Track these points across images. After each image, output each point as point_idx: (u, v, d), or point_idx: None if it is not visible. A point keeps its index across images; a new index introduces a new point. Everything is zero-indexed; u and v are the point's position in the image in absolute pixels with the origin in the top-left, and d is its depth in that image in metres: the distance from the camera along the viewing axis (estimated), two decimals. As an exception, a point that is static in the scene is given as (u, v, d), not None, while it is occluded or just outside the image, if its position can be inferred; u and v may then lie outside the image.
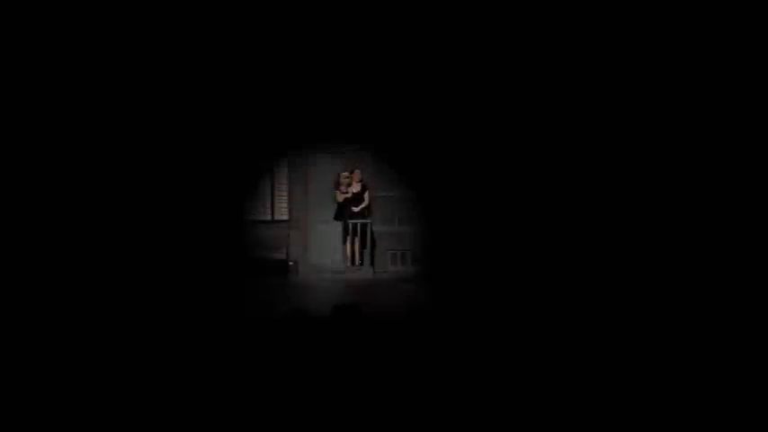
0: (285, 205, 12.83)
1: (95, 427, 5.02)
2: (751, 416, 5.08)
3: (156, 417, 5.09)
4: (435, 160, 12.36)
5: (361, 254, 12.41)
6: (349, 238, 12.41)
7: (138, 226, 11.72)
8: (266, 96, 12.53)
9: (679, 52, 10.62)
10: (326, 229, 12.69)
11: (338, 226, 12.53)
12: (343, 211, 12.49)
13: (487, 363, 5.86)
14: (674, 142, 11.03)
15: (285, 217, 12.83)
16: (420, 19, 12.08)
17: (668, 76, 11.13)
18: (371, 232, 12.41)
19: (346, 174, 12.47)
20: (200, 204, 12.31)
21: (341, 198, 12.44)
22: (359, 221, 12.34)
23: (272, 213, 12.81)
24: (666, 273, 9.89)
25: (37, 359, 6.18)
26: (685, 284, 9.07)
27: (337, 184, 12.50)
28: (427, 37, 12.19)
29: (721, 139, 10.26)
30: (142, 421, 5.06)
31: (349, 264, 12.44)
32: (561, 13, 11.65)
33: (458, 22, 12.17)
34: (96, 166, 11.61)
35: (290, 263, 12.53)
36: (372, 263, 12.45)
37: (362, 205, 12.46)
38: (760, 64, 9.54)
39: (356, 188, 12.46)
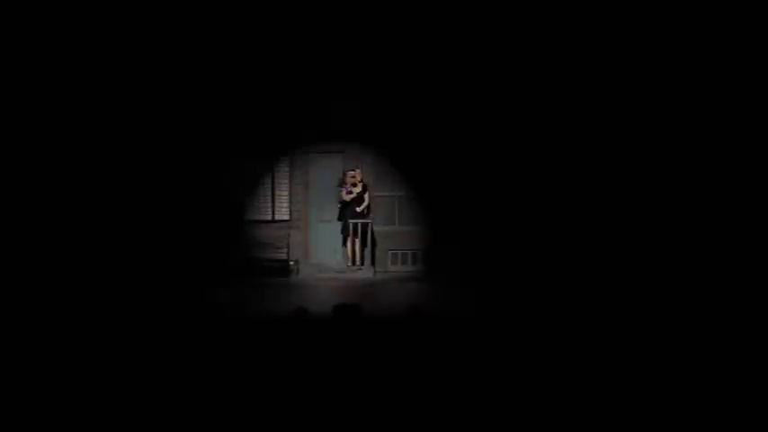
0: (286, 205, 12.81)
1: (101, 426, 5.03)
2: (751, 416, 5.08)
3: (158, 417, 5.08)
4: (437, 159, 12.34)
5: (362, 254, 12.39)
6: (350, 238, 12.39)
7: (138, 227, 11.72)
8: (267, 97, 12.52)
9: (681, 52, 10.63)
10: (327, 229, 12.68)
11: (338, 226, 12.52)
12: (344, 212, 12.47)
13: (489, 363, 5.85)
14: (675, 141, 11.03)
15: (286, 217, 12.81)
16: (421, 19, 12.09)
17: (670, 76, 11.13)
18: (372, 232, 12.40)
19: (353, 173, 12.44)
20: (201, 205, 12.31)
21: (348, 197, 12.41)
22: (359, 221, 12.32)
23: (273, 213, 12.79)
24: (670, 273, 9.89)
25: (35, 357, 6.17)
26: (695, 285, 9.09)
27: (343, 183, 12.46)
28: (428, 37, 12.20)
29: (724, 139, 10.27)
30: (144, 421, 5.06)
31: (350, 264, 12.42)
32: (563, 12, 11.66)
33: (459, 22, 12.17)
34: (96, 166, 11.64)
35: (291, 263, 12.52)
36: (373, 263, 12.43)
37: (364, 205, 12.45)
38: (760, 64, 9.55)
39: (358, 188, 12.44)
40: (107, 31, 11.42)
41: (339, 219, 12.53)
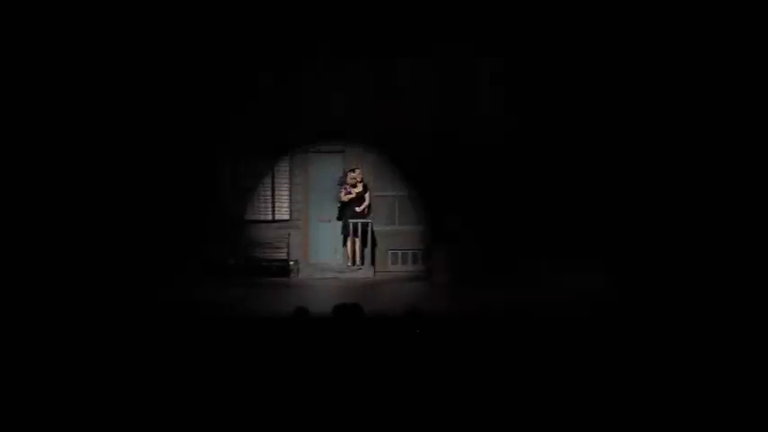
0: (286, 205, 12.74)
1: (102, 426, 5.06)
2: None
3: (157, 417, 5.07)
4: (437, 158, 12.31)
5: (362, 253, 12.34)
6: (350, 238, 12.35)
7: (134, 226, 11.71)
8: (266, 95, 12.49)
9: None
10: (327, 229, 12.63)
11: (338, 225, 12.47)
12: (344, 211, 12.43)
13: (489, 363, 5.83)
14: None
15: (286, 216, 12.75)
16: (418, 19, 12.09)
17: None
18: (372, 232, 12.36)
19: (353, 174, 12.38)
20: (200, 204, 12.29)
21: (345, 198, 12.35)
22: (359, 221, 12.28)
23: (273, 213, 12.73)
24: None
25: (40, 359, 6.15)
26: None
27: (343, 183, 12.40)
28: (425, 35, 12.20)
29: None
30: (144, 421, 5.05)
31: (350, 263, 12.38)
32: (566, 12, 11.66)
33: (458, 20, 12.17)
34: (91, 165, 11.65)
35: (291, 262, 12.47)
36: (373, 262, 12.40)
37: (364, 205, 12.39)
38: None
39: (358, 188, 12.39)
40: (98, 28, 11.45)
41: (338, 218, 12.48)
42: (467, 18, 12.05)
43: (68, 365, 5.96)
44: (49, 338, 6.85)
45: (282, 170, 12.70)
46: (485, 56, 12.27)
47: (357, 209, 12.32)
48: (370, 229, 12.30)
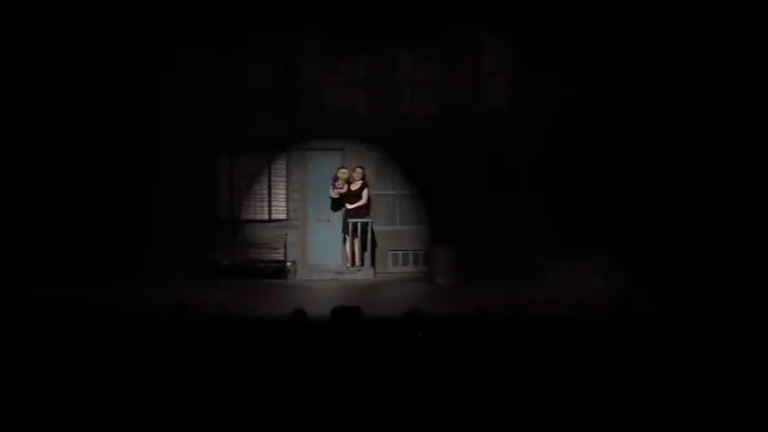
0: (283, 204, 12.59)
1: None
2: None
3: (158, 419, 4.99)
4: (439, 157, 12.26)
5: (362, 254, 12.17)
6: (348, 238, 12.19)
7: (132, 224, 11.70)
8: (265, 93, 12.45)
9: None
10: (326, 229, 12.47)
11: (337, 226, 12.31)
12: (339, 207, 12.29)
13: (491, 366, 5.70)
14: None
15: (283, 216, 12.60)
16: (419, 18, 12.09)
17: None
18: (372, 232, 12.18)
19: (344, 170, 12.22)
20: (198, 203, 12.23)
21: (334, 194, 12.19)
22: (359, 221, 12.10)
23: (270, 213, 12.59)
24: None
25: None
26: None
27: (335, 180, 12.24)
28: (426, 34, 12.19)
29: None
30: (142, 421, 4.98)
31: (349, 264, 12.22)
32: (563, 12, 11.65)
33: (459, 20, 12.15)
34: (87, 162, 11.64)
35: (288, 263, 12.31)
36: (373, 263, 12.23)
37: (359, 203, 12.18)
38: None
39: (355, 186, 12.22)
40: (92, 22, 11.47)
41: (332, 209, 12.32)
42: (467, 17, 12.06)
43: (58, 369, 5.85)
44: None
45: (279, 167, 12.56)
46: (488, 54, 12.25)
47: (349, 206, 12.13)
48: (370, 228, 12.11)
